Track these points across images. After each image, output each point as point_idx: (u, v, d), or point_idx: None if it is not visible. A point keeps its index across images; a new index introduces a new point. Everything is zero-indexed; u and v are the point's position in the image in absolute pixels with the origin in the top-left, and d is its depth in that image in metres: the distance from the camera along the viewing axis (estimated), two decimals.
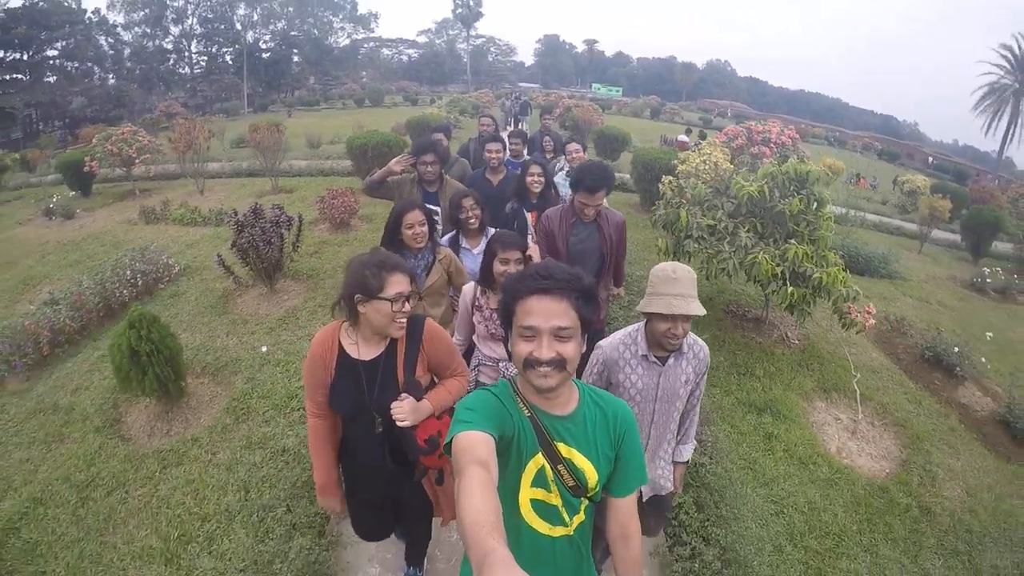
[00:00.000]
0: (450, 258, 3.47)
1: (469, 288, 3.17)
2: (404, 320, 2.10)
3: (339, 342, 2.20)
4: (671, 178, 6.34)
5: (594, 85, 77.06)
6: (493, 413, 1.48)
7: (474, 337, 3.25)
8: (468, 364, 3.14)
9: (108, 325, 6.12)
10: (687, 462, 2.74)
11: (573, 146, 5.75)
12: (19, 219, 12.57)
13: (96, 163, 12.97)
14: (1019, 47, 45.70)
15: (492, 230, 3.80)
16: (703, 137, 20.89)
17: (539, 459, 1.52)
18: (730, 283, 6.58)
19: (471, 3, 72.93)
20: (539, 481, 1.53)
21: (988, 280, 11.28)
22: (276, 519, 3.42)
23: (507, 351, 1.63)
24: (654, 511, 2.69)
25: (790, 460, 4.32)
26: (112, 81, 47.86)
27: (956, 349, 6.04)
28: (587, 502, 1.60)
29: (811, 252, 4.85)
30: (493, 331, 3.08)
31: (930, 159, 47.51)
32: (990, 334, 7.07)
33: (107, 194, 14.07)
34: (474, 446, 1.32)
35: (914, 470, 4.44)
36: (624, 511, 1.63)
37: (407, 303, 2.09)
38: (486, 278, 3.07)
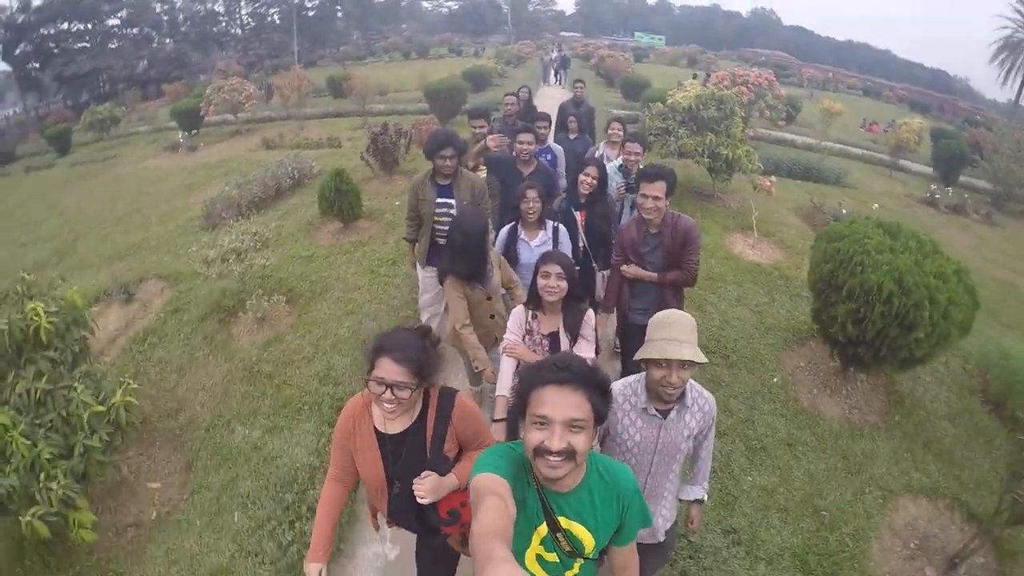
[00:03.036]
0: (498, 258, 3.73)
1: (519, 311, 3.16)
2: (391, 407, 1.98)
3: (370, 412, 2.17)
4: (658, 104, 9.39)
5: (636, 33, 76.99)
6: (512, 469, 1.57)
7: None
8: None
9: (278, 201, 9.49)
10: (702, 501, 2.70)
11: (634, 146, 5.22)
12: (142, 156, 16.10)
13: (213, 108, 16.40)
14: None
15: (551, 223, 4.05)
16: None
17: (545, 527, 1.62)
18: (681, 166, 9.52)
19: None
20: (546, 543, 1.64)
21: (938, 196, 13.78)
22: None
23: None
24: (653, 558, 2.62)
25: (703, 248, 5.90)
26: (170, 45, 50.28)
27: (844, 212, 8.94)
28: (582, 561, 1.69)
29: (724, 141, 7.90)
30: (541, 356, 3.00)
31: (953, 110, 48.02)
32: (876, 205, 9.92)
33: (214, 135, 17.54)
34: (494, 484, 1.43)
35: (787, 263, 7.37)
36: (625, 552, 1.80)
37: (392, 392, 1.95)
38: (533, 296, 3.08)
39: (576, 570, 1.71)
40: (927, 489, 4.32)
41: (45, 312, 3.55)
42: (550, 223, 4.06)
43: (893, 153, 16.38)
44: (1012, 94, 47.91)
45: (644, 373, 2.32)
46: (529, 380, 1.54)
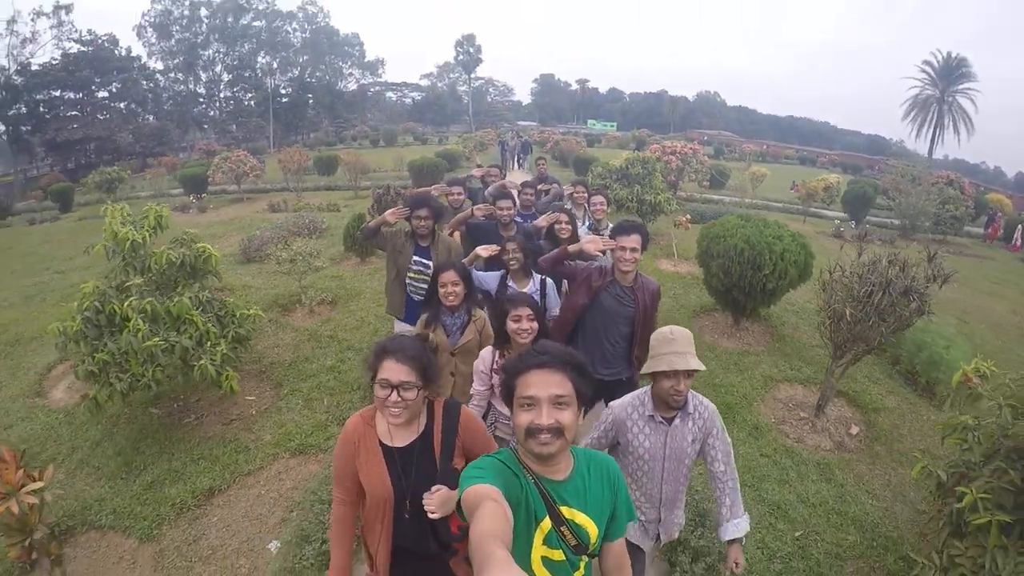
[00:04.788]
0: (484, 320, 3.55)
1: (488, 352, 3.26)
2: (396, 411, 2.02)
3: (374, 428, 2.18)
4: (599, 167, 12.22)
5: (589, 121, 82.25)
6: (500, 474, 1.60)
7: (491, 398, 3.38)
8: (485, 421, 3.33)
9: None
10: (742, 540, 2.63)
11: (598, 198, 5.87)
12: None
13: (221, 175, 18.77)
14: (937, 60, 51.52)
15: (538, 276, 4.28)
16: None
17: (548, 522, 1.64)
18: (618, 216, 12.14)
19: (471, 51, 77.76)
20: (550, 540, 1.64)
21: (842, 229, 16.71)
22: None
23: None
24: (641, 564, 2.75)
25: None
26: (153, 121, 53.32)
27: None
28: (587, 559, 1.73)
29: (647, 191, 10.65)
30: None
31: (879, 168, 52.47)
32: None
33: (217, 200, 19.69)
34: (487, 491, 1.45)
35: (698, 272, 9.46)
36: (618, 550, 1.87)
37: (398, 393, 2.00)
38: (501, 338, 3.16)
39: (582, 570, 1.74)
40: (800, 379, 6.34)
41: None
42: (537, 276, 4.29)
43: (804, 202, 19.65)
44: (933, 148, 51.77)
45: (651, 385, 2.54)
46: (514, 369, 1.67)
